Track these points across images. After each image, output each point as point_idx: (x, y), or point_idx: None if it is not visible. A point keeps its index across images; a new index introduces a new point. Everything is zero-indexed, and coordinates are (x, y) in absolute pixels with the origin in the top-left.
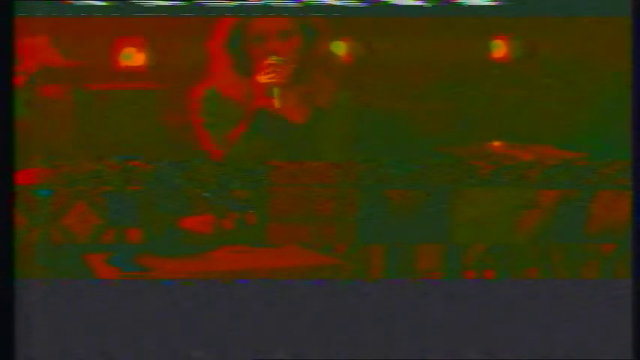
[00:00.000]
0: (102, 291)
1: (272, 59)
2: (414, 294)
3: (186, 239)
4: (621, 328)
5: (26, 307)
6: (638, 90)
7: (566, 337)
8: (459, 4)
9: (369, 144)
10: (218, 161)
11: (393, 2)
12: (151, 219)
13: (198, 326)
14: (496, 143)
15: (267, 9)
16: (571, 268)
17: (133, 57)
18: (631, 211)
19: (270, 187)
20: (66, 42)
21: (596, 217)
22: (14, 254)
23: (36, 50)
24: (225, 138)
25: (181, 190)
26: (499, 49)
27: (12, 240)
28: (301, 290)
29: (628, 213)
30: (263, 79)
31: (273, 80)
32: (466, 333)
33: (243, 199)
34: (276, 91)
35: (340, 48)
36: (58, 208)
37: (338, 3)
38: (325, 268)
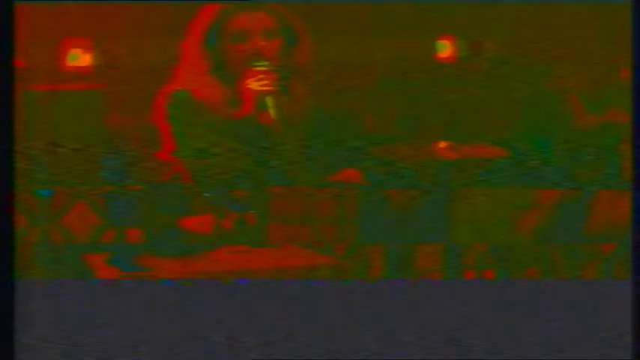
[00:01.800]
0: (101, 291)
1: (260, 64)
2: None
3: (186, 239)
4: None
5: (26, 306)
6: (638, 88)
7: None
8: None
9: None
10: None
11: None
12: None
13: (197, 325)
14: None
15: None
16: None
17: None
18: (631, 211)
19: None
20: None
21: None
22: (14, 254)
23: None
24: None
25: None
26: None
27: (12, 240)
28: (301, 290)
29: (628, 213)
30: (254, 85)
31: (264, 88)
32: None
33: (243, 199)
34: (269, 100)
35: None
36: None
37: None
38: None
